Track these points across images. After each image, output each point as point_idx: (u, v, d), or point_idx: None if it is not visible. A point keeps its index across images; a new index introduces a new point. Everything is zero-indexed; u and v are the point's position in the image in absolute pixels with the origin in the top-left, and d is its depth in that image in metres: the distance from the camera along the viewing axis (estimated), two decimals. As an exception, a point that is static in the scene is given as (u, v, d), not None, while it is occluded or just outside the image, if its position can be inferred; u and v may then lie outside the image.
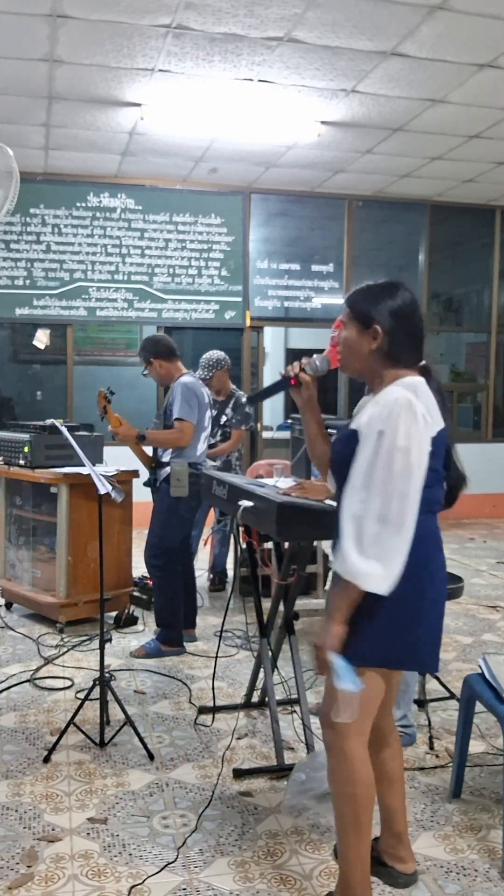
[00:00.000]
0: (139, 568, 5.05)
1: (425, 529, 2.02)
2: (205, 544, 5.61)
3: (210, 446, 5.32)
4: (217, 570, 5.79)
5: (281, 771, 2.97)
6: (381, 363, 2.09)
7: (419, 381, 2.06)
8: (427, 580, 2.07)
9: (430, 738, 3.23)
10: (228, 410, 5.51)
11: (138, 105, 6.14)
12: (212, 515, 5.43)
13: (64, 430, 3.46)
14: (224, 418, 5.49)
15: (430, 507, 2.05)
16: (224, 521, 5.27)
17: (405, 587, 1.98)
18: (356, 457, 1.98)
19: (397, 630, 2.05)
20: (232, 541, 5.54)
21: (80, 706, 3.23)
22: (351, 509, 1.95)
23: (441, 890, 2.30)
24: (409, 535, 1.93)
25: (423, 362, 2.14)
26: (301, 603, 4.86)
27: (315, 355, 2.35)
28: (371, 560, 1.92)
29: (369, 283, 2.15)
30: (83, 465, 3.33)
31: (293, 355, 13.10)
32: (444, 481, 2.12)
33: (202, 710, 3.53)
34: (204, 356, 5.44)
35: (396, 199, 8.83)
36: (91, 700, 3.24)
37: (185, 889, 2.30)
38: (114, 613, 4.83)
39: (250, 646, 4.37)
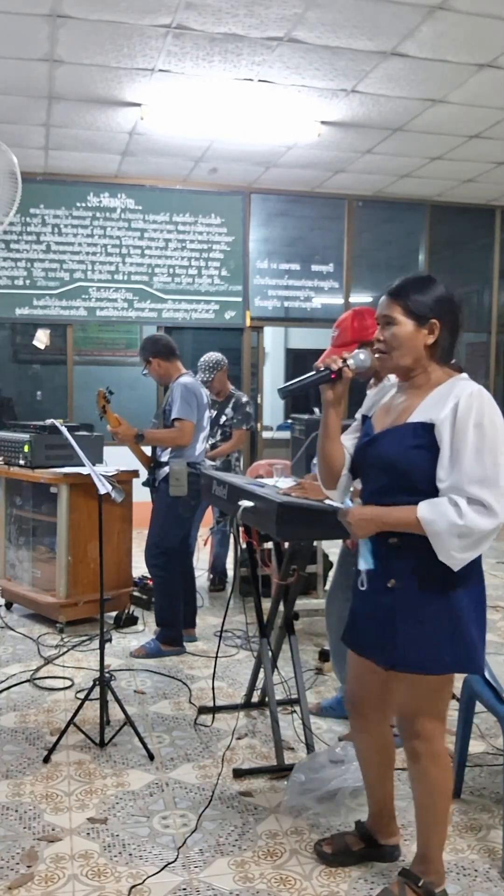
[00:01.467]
0: (139, 568, 5.05)
1: None
2: (204, 544, 5.61)
3: (211, 447, 5.32)
4: (217, 570, 5.78)
5: (281, 771, 2.97)
6: (430, 358, 2.09)
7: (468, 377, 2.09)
8: (481, 575, 2.14)
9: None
10: (228, 410, 5.51)
11: (138, 105, 6.14)
12: (210, 515, 5.43)
13: (64, 430, 3.46)
14: (224, 418, 5.49)
15: None
16: (223, 521, 5.27)
17: (476, 592, 2.08)
18: (452, 452, 1.95)
19: (480, 632, 2.09)
20: (232, 541, 5.54)
21: (80, 706, 3.23)
22: (463, 474, 1.93)
23: (441, 890, 2.30)
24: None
25: (454, 360, 2.15)
26: (301, 603, 4.86)
27: (357, 349, 2.27)
28: (471, 544, 1.95)
29: (417, 276, 2.13)
30: (83, 465, 3.33)
31: (293, 355, 13.15)
32: None
33: (202, 710, 3.53)
34: (203, 359, 5.43)
35: (396, 199, 8.83)
36: (91, 700, 3.24)
37: (185, 889, 2.30)
38: (114, 613, 4.83)
39: (250, 646, 4.37)
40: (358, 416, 2.37)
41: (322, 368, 2.19)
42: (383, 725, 2.35)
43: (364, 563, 2.08)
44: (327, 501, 2.87)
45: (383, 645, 2.11)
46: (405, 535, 2.03)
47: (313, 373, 2.22)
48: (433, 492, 1.99)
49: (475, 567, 2.07)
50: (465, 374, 2.09)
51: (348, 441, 2.31)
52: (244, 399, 5.61)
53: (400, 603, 2.07)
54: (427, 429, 2.00)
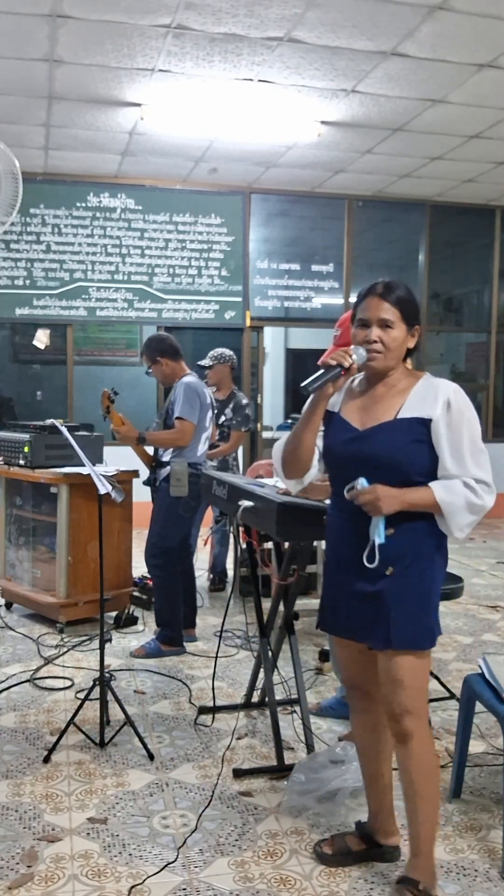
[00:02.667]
0: (139, 568, 5.05)
1: None
2: (204, 544, 5.62)
3: (211, 447, 5.32)
4: (217, 570, 5.79)
5: (281, 771, 2.97)
6: (401, 359, 2.26)
7: None
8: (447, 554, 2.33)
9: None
10: (228, 411, 5.51)
11: (138, 105, 6.14)
12: (209, 515, 5.43)
13: (64, 430, 3.46)
14: (223, 418, 5.49)
15: None
16: (223, 521, 5.27)
17: (443, 565, 2.27)
18: (452, 443, 2.11)
19: (437, 606, 2.27)
20: (232, 541, 5.54)
21: (80, 706, 3.23)
22: (462, 467, 2.13)
23: (441, 890, 2.30)
24: None
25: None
26: (301, 603, 4.86)
27: (352, 346, 2.31)
28: (476, 520, 2.17)
29: (398, 281, 2.25)
30: (83, 465, 3.33)
31: (293, 355, 13.15)
32: None
33: (202, 710, 3.53)
34: (214, 350, 5.54)
35: (396, 199, 8.83)
36: (91, 700, 3.24)
37: (185, 889, 2.30)
38: (114, 613, 4.83)
39: (250, 646, 4.37)
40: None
41: (334, 364, 2.23)
42: (378, 701, 2.38)
43: (378, 538, 2.16)
44: (327, 501, 2.88)
45: (377, 628, 2.18)
46: (399, 525, 2.14)
47: (332, 368, 2.25)
48: (422, 482, 2.14)
49: (445, 543, 2.26)
50: (427, 372, 2.27)
51: (320, 438, 2.35)
52: (244, 401, 5.62)
53: (393, 586, 2.17)
54: (424, 424, 2.13)
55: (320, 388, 2.22)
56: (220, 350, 5.55)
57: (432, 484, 2.13)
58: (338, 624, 2.33)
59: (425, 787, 2.21)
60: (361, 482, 2.13)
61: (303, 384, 2.22)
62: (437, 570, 2.24)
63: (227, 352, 5.54)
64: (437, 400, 2.13)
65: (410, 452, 2.13)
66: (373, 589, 2.18)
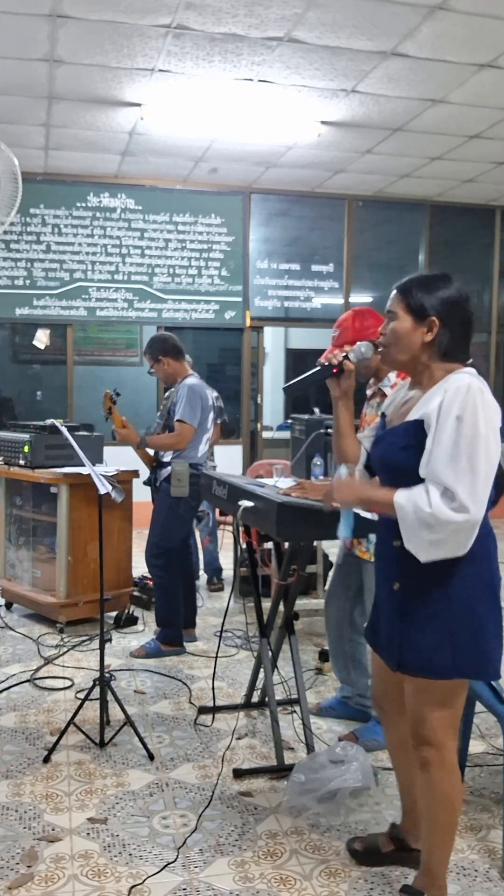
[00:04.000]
0: (139, 568, 5.05)
1: (485, 527, 1.97)
2: (205, 544, 5.62)
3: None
4: (212, 567, 5.76)
5: (281, 771, 2.97)
6: (431, 357, 2.04)
7: (475, 372, 2.02)
8: (498, 581, 2.05)
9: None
10: None
11: (138, 105, 6.14)
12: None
13: (64, 430, 3.46)
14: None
15: (487, 504, 1.97)
16: (206, 517, 5.23)
17: (485, 594, 2.01)
18: (433, 444, 1.91)
19: (486, 637, 2.02)
20: (231, 540, 5.54)
21: (80, 706, 3.23)
22: (439, 467, 1.88)
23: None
24: (478, 525, 1.90)
25: (471, 360, 2.09)
26: (301, 603, 4.86)
27: (359, 342, 2.28)
28: (441, 540, 1.89)
29: (424, 274, 2.10)
30: (83, 465, 3.33)
31: (293, 355, 13.12)
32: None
33: (202, 710, 3.53)
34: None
35: (396, 199, 8.83)
36: (91, 700, 3.24)
37: (185, 889, 2.30)
38: (114, 613, 4.83)
39: (250, 646, 4.37)
40: (366, 411, 2.39)
41: (325, 363, 2.22)
42: (404, 719, 2.28)
43: (342, 531, 2.12)
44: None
45: (392, 646, 2.11)
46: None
47: (317, 369, 2.25)
48: None
49: (479, 568, 2.00)
50: (466, 368, 2.03)
51: (366, 439, 2.32)
52: (214, 394, 5.65)
53: (402, 605, 2.06)
54: (418, 427, 1.98)
55: (301, 389, 2.21)
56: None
57: (401, 488, 1.94)
58: (372, 635, 2.26)
59: (441, 816, 2.10)
60: (341, 470, 2.10)
61: (284, 385, 2.21)
62: (465, 592, 1.98)
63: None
64: (437, 397, 1.96)
65: (403, 458, 2.00)
66: (390, 604, 2.10)
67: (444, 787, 2.08)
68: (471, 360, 2.09)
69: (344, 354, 2.24)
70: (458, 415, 1.89)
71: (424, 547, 1.91)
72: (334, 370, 2.22)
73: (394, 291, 2.11)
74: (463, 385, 1.93)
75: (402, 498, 1.93)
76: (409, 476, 1.97)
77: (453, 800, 2.11)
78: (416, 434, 1.98)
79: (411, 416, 2.03)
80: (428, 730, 2.06)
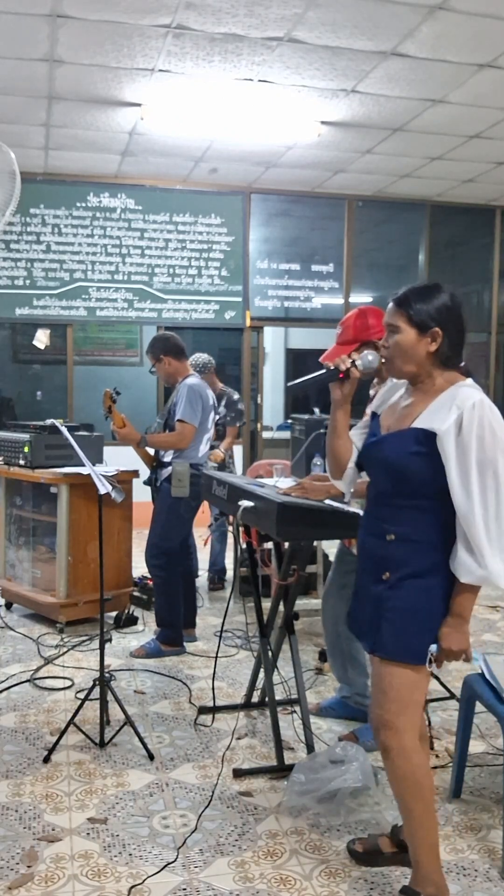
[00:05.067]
0: (139, 568, 5.05)
1: None
2: (205, 544, 5.62)
3: (210, 447, 5.33)
4: (215, 568, 5.79)
5: (281, 771, 2.97)
6: (434, 365, 2.13)
7: (474, 384, 2.13)
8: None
9: (431, 738, 3.23)
10: (221, 409, 5.53)
11: (138, 105, 6.14)
12: (207, 515, 5.43)
13: (64, 430, 3.46)
14: (217, 417, 5.50)
15: None
16: (221, 520, 5.27)
17: (448, 587, 2.12)
18: (458, 462, 2.01)
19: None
20: (231, 540, 5.54)
21: (80, 706, 3.23)
22: (471, 516, 2.01)
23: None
24: None
25: (464, 363, 2.17)
26: (301, 603, 4.86)
27: (365, 350, 2.32)
28: (497, 559, 2.02)
29: (420, 286, 2.16)
30: (83, 465, 3.33)
31: (293, 355, 13.13)
32: None
33: (202, 710, 3.53)
34: (190, 360, 5.43)
35: (396, 199, 8.83)
36: (91, 700, 3.24)
37: (185, 889, 2.30)
38: (114, 613, 4.83)
39: (250, 646, 4.37)
40: (368, 411, 2.40)
41: (332, 367, 2.23)
42: None
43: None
44: (327, 501, 2.88)
45: (372, 631, 2.19)
46: (401, 533, 2.12)
47: (323, 371, 2.27)
48: (431, 496, 2.08)
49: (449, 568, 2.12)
50: (469, 381, 2.12)
51: (357, 436, 2.36)
52: (235, 396, 5.66)
53: (390, 593, 2.14)
54: (429, 437, 2.05)
55: (305, 388, 2.23)
56: (198, 360, 5.45)
57: (458, 571, 2.06)
58: (353, 620, 2.34)
59: (410, 802, 2.15)
60: (432, 649, 2.13)
61: (290, 383, 2.23)
62: (445, 590, 2.10)
63: (204, 358, 5.52)
64: (451, 413, 2.03)
65: (413, 464, 2.07)
66: (375, 591, 2.18)
67: (406, 770, 2.14)
68: (463, 363, 2.17)
69: (352, 361, 2.26)
70: (479, 434, 2.00)
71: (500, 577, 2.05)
72: (340, 375, 2.25)
73: (391, 304, 2.17)
74: (478, 402, 2.03)
75: (465, 577, 2.04)
76: (417, 481, 2.08)
77: (417, 785, 2.14)
78: (427, 443, 2.06)
79: (419, 424, 2.09)
80: (387, 712, 2.14)
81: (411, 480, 2.08)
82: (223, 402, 5.56)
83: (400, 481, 2.11)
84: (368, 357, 2.28)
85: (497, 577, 2.02)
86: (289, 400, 12.07)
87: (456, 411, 2.03)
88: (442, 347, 2.10)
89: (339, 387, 2.29)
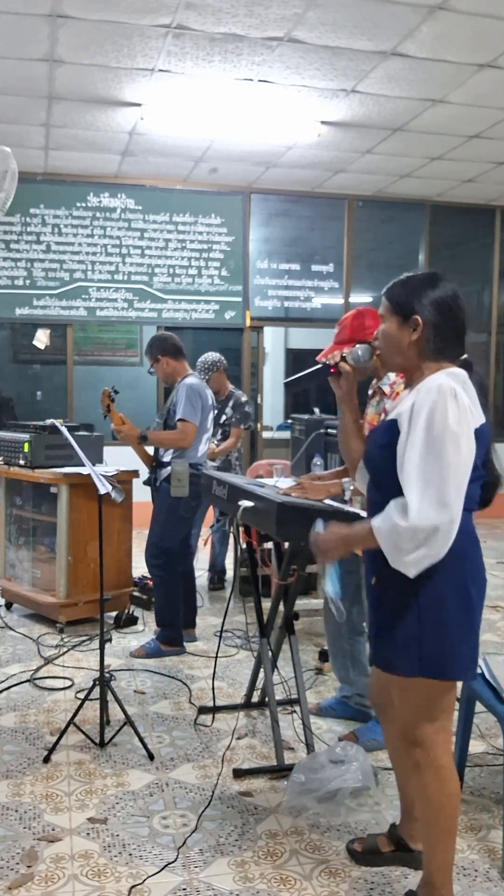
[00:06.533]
0: (139, 568, 5.05)
1: (465, 527, 1.96)
2: (205, 544, 5.61)
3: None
4: (216, 568, 5.79)
5: (281, 771, 2.96)
6: (422, 356, 2.03)
7: (462, 372, 2.00)
8: (472, 582, 2.04)
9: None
10: (228, 410, 5.52)
11: (138, 105, 6.14)
12: (210, 515, 5.43)
13: (64, 430, 3.46)
14: (223, 418, 5.50)
15: (468, 504, 1.97)
16: (223, 521, 5.27)
17: (454, 595, 1.99)
18: (404, 445, 1.91)
19: (454, 639, 2.02)
20: (232, 540, 5.54)
21: (80, 706, 3.23)
22: (408, 477, 1.88)
23: None
24: (457, 526, 1.89)
25: (465, 356, 2.07)
26: (301, 603, 4.86)
27: (357, 345, 2.31)
28: (420, 547, 1.88)
29: (409, 274, 2.10)
30: (83, 465, 3.33)
31: (293, 355, 13.12)
32: (480, 480, 2.04)
33: (202, 710, 3.53)
34: (200, 359, 5.44)
35: (396, 199, 8.83)
36: (91, 700, 3.24)
37: (185, 889, 2.30)
38: (114, 613, 4.83)
39: (250, 646, 4.36)
40: (367, 411, 2.41)
41: (323, 362, 2.24)
42: None
43: (330, 588, 2.10)
44: (327, 501, 2.88)
45: (372, 638, 2.15)
46: None
47: (315, 367, 2.28)
48: (397, 490, 1.93)
49: (451, 567, 1.97)
50: (452, 369, 2.00)
51: None
52: (243, 398, 5.63)
53: (377, 600, 2.09)
54: (392, 425, 1.99)
55: (300, 385, 2.23)
56: (208, 358, 5.44)
57: (375, 517, 1.94)
58: (369, 628, 2.28)
59: (432, 820, 2.07)
60: (317, 525, 2.09)
61: (285, 381, 2.25)
62: (431, 597, 1.96)
63: (215, 356, 5.49)
64: (410, 398, 1.96)
65: (381, 455, 2.01)
66: (371, 598, 2.14)
67: (434, 789, 2.05)
68: (465, 357, 2.07)
69: (343, 355, 2.26)
70: (427, 413, 1.88)
71: (409, 562, 1.90)
72: (332, 370, 2.26)
73: (382, 295, 2.14)
74: (434, 385, 1.91)
75: (378, 521, 1.94)
76: (387, 474, 1.98)
77: (445, 804, 2.05)
78: (391, 433, 1.98)
79: (390, 416, 2.06)
80: (414, 731, 2.06)
81: (383, 474, 2.00)
82: (230, 403, 5.54)
83: (375, 476, 2.07)
84: (358, 351, 2.29)
85: (422, 520, 1.85)
86: (289, 400, 12.07)
87: (414, 395, 1.95)
88: (426, 337, 2.01)
89: (336, 383, 2.29)
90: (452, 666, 2.02)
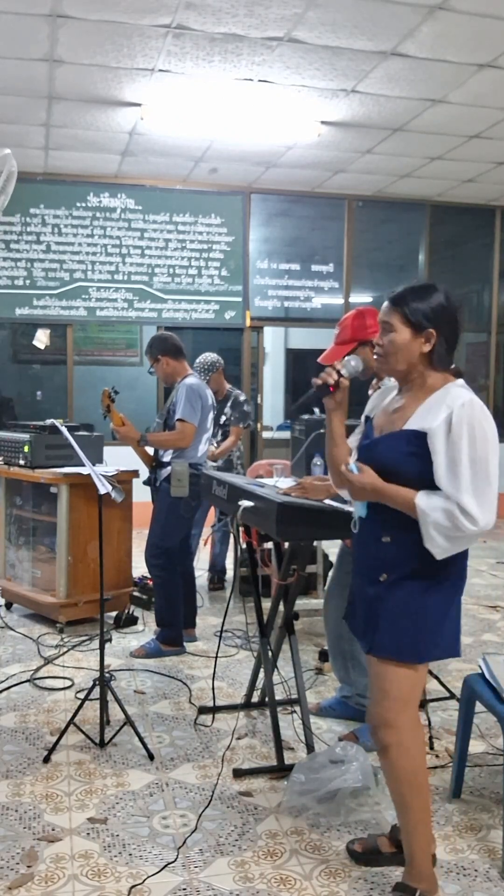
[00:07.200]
0: (139, 568, 5.05)
1: None
2: (205, 544, 5.62)
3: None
4: (216, 568, 5.79)
5: (281, 771, 2.97)
6: (427, 365, 2.15)
7: (465, 384, 2.15)
8: (464, 573, 2.24)
9: (430, 738, 3.23)
10: (227, 409, 5.52)
11: (138, 105, 6.14)
12: (212, 515, 5.43)
13: (64, 430, 3.47)
14: (223, 418, 5.50)
15: None
16: (224, 521, 5.27)
17: (451, 585, 2.17)
18: (446, 457, 2.03)
19: (454, 625, 2.20)
20: (232, 540, 5.54)
21: (80, 706, 3.23)
22: (459, 492, 2.02)
23: (441, 890, 2.30)
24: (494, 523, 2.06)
25: (454, 365, 2.20)
26: (301, 603, 4.86)
27: (347, 357, 2.35)
28: (456, 542, 2.05)
29: (416, 286, 2.16)
30: (83, 465, 3.33)
31: (293, 355, 13.13)
32: None
33: (202, 710, 3.53)
34: (199, 360, 5.42)
35: (396, 199, 8.83)
36: (91, 700, 3.24)
37: (185, 889, 2.30)
38: (114, 613, 4.83)
39: (250, 646, 4.37)
40: (363, 416, 2.43)
41: (320, 384, 2.30)
42: None
43: (358, 511, 2.21)
44: (327, 501, 2.88)
45: (368, 631, 2.21)
46: (397, 535, 2.13)
47: (312, 390, 2.36)
48: None
49: (454, 566, 2.16)
50: (460, 381, 2.15)
51: (354, 441, 2.37)
52: (242, 398, 5.63)
53: (387, 594, 2.16)
54: (420, 437, 2.07)
55: (304, 409, 2.28)
56: (206, 359, 5.43)
57: (421, 492, 2.06)
58: (352, 621, 2.36)
59: (408, 798, 2.18)
60: (352, 466, 2.15)
61: (291, 408, 2.30)
62: (439, 589, 2.15)
63: (213, 357, 5.49)
64: (441, 412, 2.06)
65: (406, 464, 2.09)
66: (372, 592, 2.20)
67: (405, 766, 2.17)
68: (453, 366, 2.20)
69: (337, 371, 2.29)
70: (469, 429, 2.02)
71: (443, 548, 2.05)
72: (331, 389, 2.29)
73: (386, 303, 2.18)
74: (467, 401, 2.06)
75: (424, 504, 2.04)
76: (411, 482, 2.08)
77: (415, 781, 2.17)
78: (419, 444, 2.08)
79: (411, 425, 2.11)
80: (385, 710, 2.16)
81: (405, 481, 2.09)
82: (229, 403, 5.54)
83: (389, 480, 2.12)
84: (351, 363, 2.34)
85: (486, 525, 2.02)
86: (289, 400, 12.08)
87: (446, 410, 2.05)
88: (436, 348, 2.12)
89: (331, 397, 2.33)
90: (448, 648, 2.20)
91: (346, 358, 2.34)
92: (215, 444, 5.43)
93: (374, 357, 2.25)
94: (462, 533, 2.01)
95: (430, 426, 2.06)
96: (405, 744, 2.16)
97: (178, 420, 4.19)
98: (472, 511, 1.99)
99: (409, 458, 2.09)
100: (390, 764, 2.19)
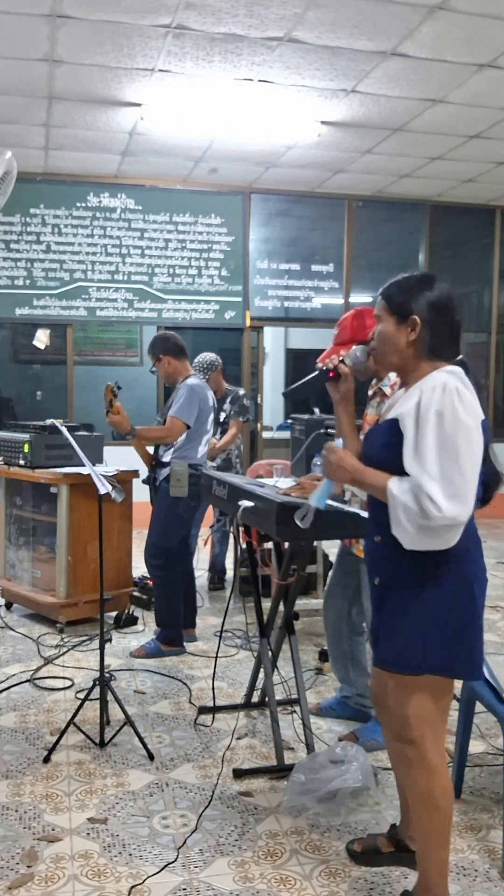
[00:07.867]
0: (139, 568, 5.05)
1: (468, 526, 1.97)
2: (205, 544, 5.62)
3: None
4: (216, 568, 5.79)
5: (281, 771, 2.96)
6: (419, 356, 2.05)
7: (459, 369, 2.01)
8: (476, 581, 2.05)
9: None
10: (226, 406, 5.52)
11: (138, 105, 6.14)
12: (210, 515, 5.43)
13: (64, 430, 3.46)
14: (223, 415, 5.50)
15: None
16: (223, 520, 5.27)
17: (455, 590, 2.01)
18: (413, 444, 1.92)
19: (460, 637, 2.03)
20: (232, 540, 5.54)
21: (80, 706, 3.23)
22: (423, 476, 1.89)
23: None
24: (465, 522, 1.91)
25: (461, 356, 2.09)
26: (301, 603, 4.86)
27: (354, 346, 2.34)
28: (427, 533, 1.91)
29: (405, 275, 2.12)
30: (83, 465, 3.33)
31: (293, 355, 13.12)
32: (481, 477, 2.01)
33: (202, 710, 3.53)
34: (197, 359, 5.41)
35: (396, 199, 8.83)
36: (91, 700, 3.24)
37: (185, 889, 2.30)
38: (114, 613, 4.83)
39: (250, 646, 4.36)
40: (367, 412, 2.42)
41: (322, 367, 2.25)
42: None
43: (314, 501, 2.15)
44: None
45: (372, 639, 2.16)
46: (386, 533, 2.01)
47: (314, 374, 2.29)
48: None
49: (457, 567, 2.01)
50: (449, 367, 2.02)
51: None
52: (241, 392, 5.64)
53: (380, 599, 2.10)
54: (393, 425, 2.00)
55: (300, 394, 2.25)
56: (205, 359, 5.43)
57: (394, 477, 1.95)
58: (370, 629, 2.29)
59: (425, 818, 2.07)
60: (338, 441, 2.13)
61: (284, 391, 2.27)
62: (440, 593, 1.99)
63: (211, 357, 5.48)
64: (413, 396, 1.97)
65: (382, 454, 2.03)
66: (374, 597, 2.14)
67: (425, 787, 2.06)
68: (461, 357, 2.09)
69: (340, 358, 2.27)
70: (437, 410, 1.90)
71: (410, 536, 1.94)
72: (331, 374, 2.27)
73: (378, 297, 2.15)
74: (439, 383, 1.93)
75: (395, 488, 1.94)
76: (389, 473, 2.00)
77: (438, 802, 2.05)
78: (393, 432, 2.00)
79: (391, 415, 2.06)
80: (407, 728, 2.06)
81: (386, 472, 2.00)
82: (228, 399, 5.55)
83: None
84: (356, 352, 2.32)
85: (452, 514, 1.87)
86: (289, 405, 12.06)
87: (417, 393, 1.96)
88: (422, 337, 2.03)
89: (335, 386, 2.30)
90: (458, 665, 2.04)
91: (354, 348, 2.33)
92: (217, 439, 5.43)
93: (371, 353, 2.23)
94: (429, 521, 1.87)
95: (401, 412, 1.99)
96: (430, 764, 2.05)
97: (170, 416, 4.19)
98: (436, 496, 1.85)
99: (384, 449, 2.03)
100: (412, 780, 2.10)
